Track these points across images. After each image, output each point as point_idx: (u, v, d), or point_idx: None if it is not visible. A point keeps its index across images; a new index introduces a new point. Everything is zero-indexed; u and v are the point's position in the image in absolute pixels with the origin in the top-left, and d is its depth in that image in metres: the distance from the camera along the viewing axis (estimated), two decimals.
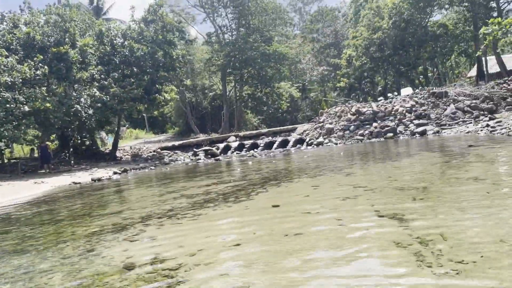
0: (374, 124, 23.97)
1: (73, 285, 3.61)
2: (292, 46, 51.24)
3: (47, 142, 23.45)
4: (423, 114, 23.57)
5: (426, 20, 36.36)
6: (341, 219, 4.94)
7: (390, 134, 22.48)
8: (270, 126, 45.75)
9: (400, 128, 23.05)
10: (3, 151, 22.80)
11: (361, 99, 42.50)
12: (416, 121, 23.07)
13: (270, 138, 28.34)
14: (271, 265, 3.59)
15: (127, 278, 3.64)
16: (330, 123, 26.05)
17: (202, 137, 40.13)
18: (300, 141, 26.13)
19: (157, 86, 28.26)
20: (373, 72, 43.38)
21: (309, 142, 25.08)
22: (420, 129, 21.88)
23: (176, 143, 34.21)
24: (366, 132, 23.66)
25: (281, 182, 8.78)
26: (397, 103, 25.61)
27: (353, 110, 25.75)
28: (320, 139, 24.68)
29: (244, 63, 43.75)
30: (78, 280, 3.74)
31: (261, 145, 27.19)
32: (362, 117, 24.96)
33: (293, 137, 26.87)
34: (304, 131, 27.46)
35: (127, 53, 26.65)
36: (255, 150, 26.30)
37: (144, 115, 42.07)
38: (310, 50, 54.73)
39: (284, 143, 26.54)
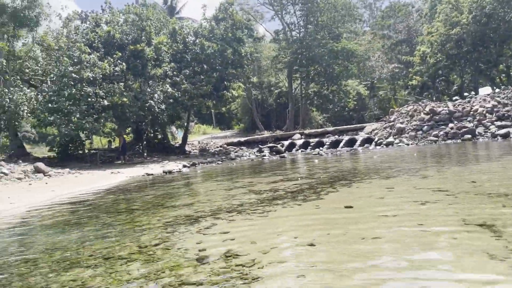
0: (450, 125, 22.49)
1: (151, 275, 3.69)
2: (361, 43, 49.78)
3: (124, 135, 24.87)
4: (506, 115, 21.68)
5: (511, 15, 33.39)
6: (423, 224, 4.59)
7: (468, 136, 20.95)
8: (335, 124, 44.85)
9: (480, 129, 21.42)
10: (84, 142, 24.52)
11: (434, 98, 40.20)
12: (497, 123, 21.29)
13: (336, 136, 27.75)
14: (351, 270, 3.40)
15: (202, 272, 3.64)
16: (401, 123, 24.87)
17: (266, 134, 40.35)
18: (368, 141, 25.28)
19: (225, 83, 28.83)
20: (449, 70, 40.76)
21: (378, 142, 24.17)
22: (503, 131, 20.16)
23: (242, 139, 34.73)
24: (441, 133, 22.27)
25: (352, 182, 8.47)
26: (476, 103, 23.81)
27: (427, 109, 24.35)
28: (390, 139, 23.67)
29: (311, 60, 43.29)
30: (155, 270, 3.82)
31: (327, 143, 26.71)
32: (437, 117, 23.53)
33: (360, 136, 26.07)
34: (373, 130, 26.51)
35: (198, 50, 27.44)
36: (321, 148, 25.88)
37: (212, 111, 43.07)
38: (380, 47, 52.71)
39: (351, 142, 25.83)
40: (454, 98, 29.47)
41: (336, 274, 3.31)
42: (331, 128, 30.12)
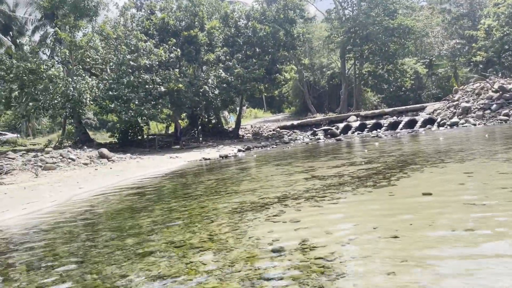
0: None
1: (226, 267, 3.55)
2: (418, 19, 47.03)
3: (179, 121, 25.33)
4: None
5: None
6: None
7: None
8: (390, 105, 43.03)
9: None
10: (142, 128, 25.29)
11: (499, 75, 37.34)
12: None
13: (394, 118, 26.59)
14: (448, 267, 3.05)
15: (280, 265, 3.44)
16: (467, 102, 23.27)
17: (319, 116, 39.56)
18: (429, 121, 23.97)
19: (277, 65, 28.42)
20: None
21: (441, 122, 22.83)
22: None
23: (295, 122, 34.30)
24: None
25: (423, 167, 7.91)
26: None
27: (496, 86, 22.57)
28: (455, 119, 22.26)
29: (365, 39, 41.64)
30: (229, 261, 3.68)
31: (385, 125, 25.66)
32: (507, 95, 21.76)
33: (421, 117, 24.78)
34: (435, 110, 25.08)
35: (250, 33, 27.19)
36: (378, 130, 24.92)
37: (265, 94, 42.81)
38: (440, 22, 49.52)
39: (411, 124, 24.64)
40: None
41: (431, 273, 2.98)
42: (388, 109, 28.88)
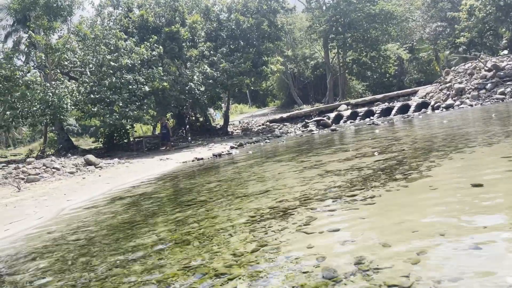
0: None
1: None
2: (400, 3, 46.69)
3: (166, 120, 24.24)
4: None
5: None
6: None
7: None
8: (375, 92, 42.73)
9: None
10: (128, 131, 24.20)
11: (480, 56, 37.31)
12: None
13: (386, 104, 26.08)
14: None
15: None
16: (460, 83, 22.87)
17: (306, 108, 38.97)
18: (423, 105, 23.53)
19: (263, 58, 27.62)
20: (499, 23, 37.56)
21: (435, 105, 22.39)
22: None
23: (284, 115, 33.59)
24: (508, 90, 20.22)
25: (448, 153, 7.21)
26: None
27: (489, 65, 22.20)
28: (449, 101, 21.84)
29: (347, 26, 41.24)
30: None
31: (377, 112, 25.16)
32: (501, 73, 21.40)
33: (414, 102, 24.33)
34: (427, 94, 24.66)
35: (233, 26, 26.31)
36: (371, 118, 24.39)
37: (252, 88, 41.82)
38: (420, 5, 49.32)
39: (404, 109, 24.16)
40: (502, 53, 26.91)
41: None
42: (379, 96, 28.35)
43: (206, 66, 24.69)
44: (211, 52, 25.76)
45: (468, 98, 21.09)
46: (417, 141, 10.30)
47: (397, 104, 24.62)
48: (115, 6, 25.97)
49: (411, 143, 9.86)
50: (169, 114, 30.95)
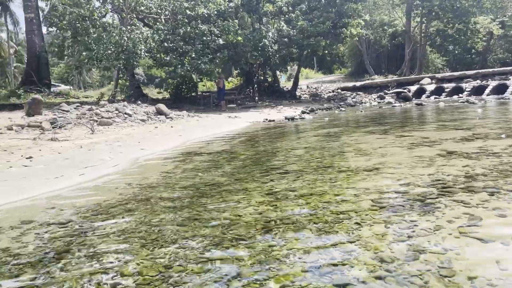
0: None
1: None
2: None
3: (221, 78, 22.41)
4: None
5: None
6: None
7: None
8: (454, 69, 38.93)
9: None
10: (197, 84, 23.68)
11: None
12: None
13: (478, 81, 23.35)
14: None
15: None
16: None
17: (378, 78, 36.44)
18: None
19: (343, 19, 25.60)
20: None
21: None
22: None
23: (357, 83, 31.63)
24: None
25: None
26: None
27: None
28: None
29: None
30: None
31: (467, 89, 22.63)
32: None
33: None
34: None
35: None
36: (460, 95, 21.98)
37: (326, 52, 39.52)
38: None
39: (500, 88, 21.45)
40: None
41: None
42: (470, 72, 25.48)
43: (282, 23, 23.24)
44: (289, 8, 24.18)
45: None
46: None
47: (492, 83, 21.90)
48: None
49: None
50: (236, 72, 30.05)
